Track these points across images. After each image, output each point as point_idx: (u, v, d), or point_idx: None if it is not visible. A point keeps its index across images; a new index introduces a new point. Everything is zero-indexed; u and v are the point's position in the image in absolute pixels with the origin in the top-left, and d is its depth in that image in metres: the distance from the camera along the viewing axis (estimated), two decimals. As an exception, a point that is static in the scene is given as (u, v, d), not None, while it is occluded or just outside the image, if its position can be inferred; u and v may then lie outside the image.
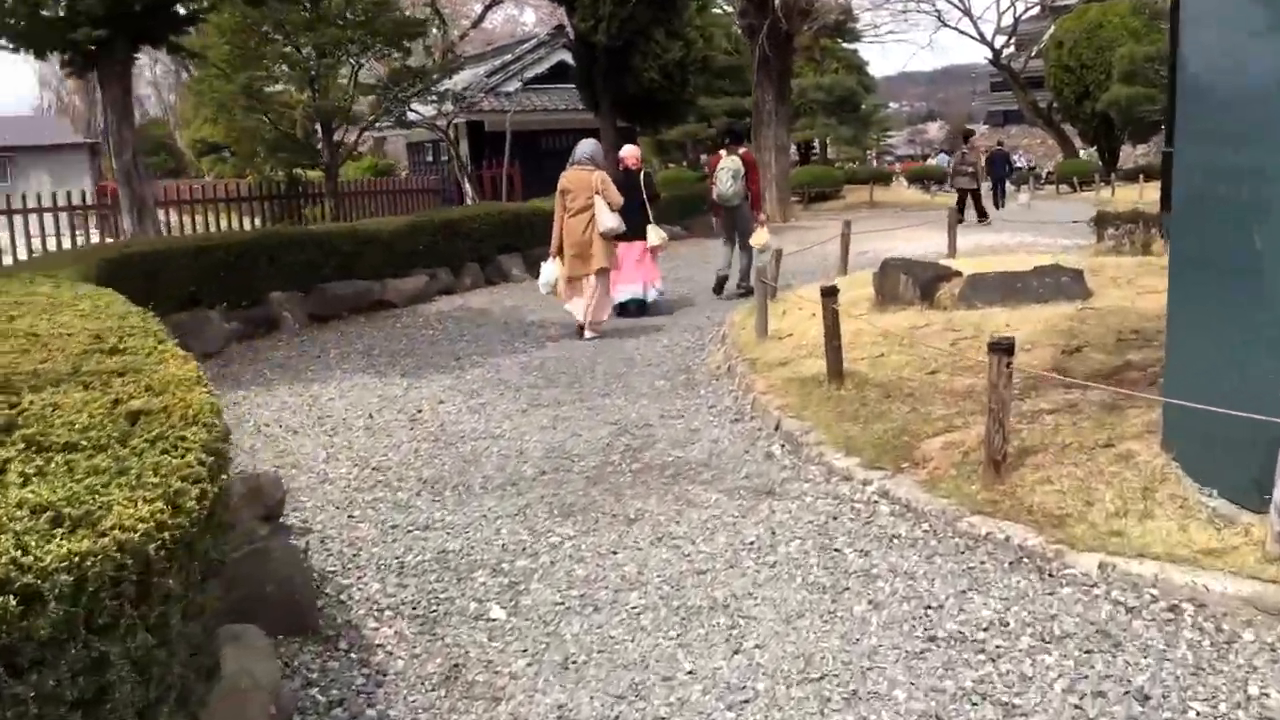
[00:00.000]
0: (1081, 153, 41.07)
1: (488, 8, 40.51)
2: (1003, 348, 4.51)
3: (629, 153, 11.22)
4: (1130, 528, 4.08)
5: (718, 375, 7.79)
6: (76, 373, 3.09)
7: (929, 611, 3.72)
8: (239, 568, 3.51)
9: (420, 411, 6.95)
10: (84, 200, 15.09)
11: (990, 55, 39.84)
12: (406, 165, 31.16)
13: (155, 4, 10.94)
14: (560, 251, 9.57)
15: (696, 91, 18.48)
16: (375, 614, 3.83)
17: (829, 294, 6.48)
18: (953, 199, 32.17)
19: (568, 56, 24.03)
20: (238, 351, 9.29)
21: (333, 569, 4.21)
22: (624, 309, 10.50)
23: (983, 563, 4.10)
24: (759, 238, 11.29)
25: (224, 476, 2.52)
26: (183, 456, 2.39)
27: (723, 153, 11.60)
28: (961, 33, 38.52)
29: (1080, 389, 5.53)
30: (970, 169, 20.40)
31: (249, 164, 17.60)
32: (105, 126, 11.24)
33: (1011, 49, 44.49)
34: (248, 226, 16.90)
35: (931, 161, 50.34)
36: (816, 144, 40.29)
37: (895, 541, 4.37)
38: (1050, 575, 3.94)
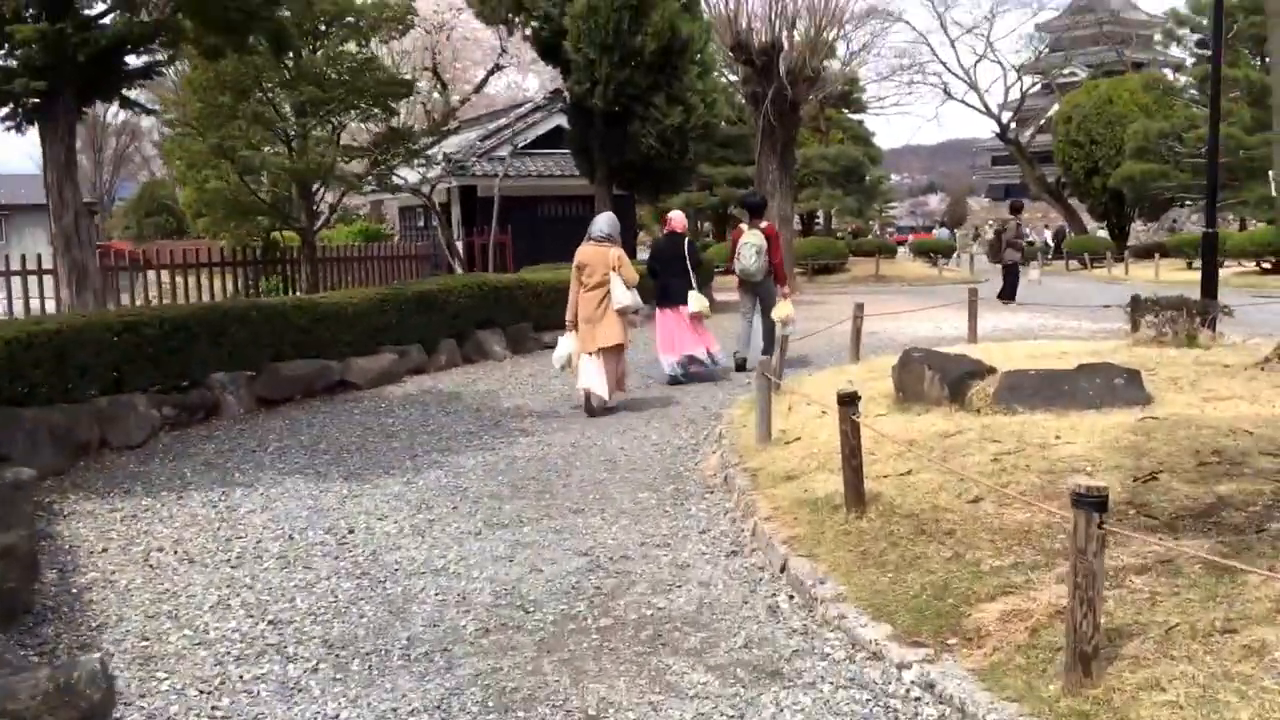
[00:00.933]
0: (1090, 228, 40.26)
1: (489, 74, 40.07)
2: (1091, 501, 3.33)
3: (676, 217, 11.16)
4: (1284, 769, 2.89)
5: (712, 487, 6.62)
6: None
7: None
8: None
9: (352, 532, 5.76)
10: (39, 264, 14.06)
11: (996, 130, 39.18)
12: (398, 229, 30.26)
13: (102, 54, 9.98)
14: (575, 326, 9.27)
15: (697, 159, 17.51)
16: None
17: (847, 402, 5.34)
18: (961, 274, 31.33)
19: (565, 121, 23.21)
20: (164, 445, 8.10)
21: (155, 816, 3.00)
22: (674, 378, 10.51)
23: (1079, 819, 2.91)
24: (781, 310, 11.03)
25: None
26: None
27: (743, 226, 11.26)
28: (969, 106, 38.24)
29: (1170, 532, 4.38)
30: (1023, 243, 19.58)
31: (222, 227, 16.59)
32: (46, 184, 10.18)
33: (1014, 125, 44.00)
34: (219, 293, 15.93)
35: (935, 234, 49.74)
36: (821, 215, 39.52)
37: (950, 772, 3.18)
38: None
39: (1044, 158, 43.50)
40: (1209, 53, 33.32)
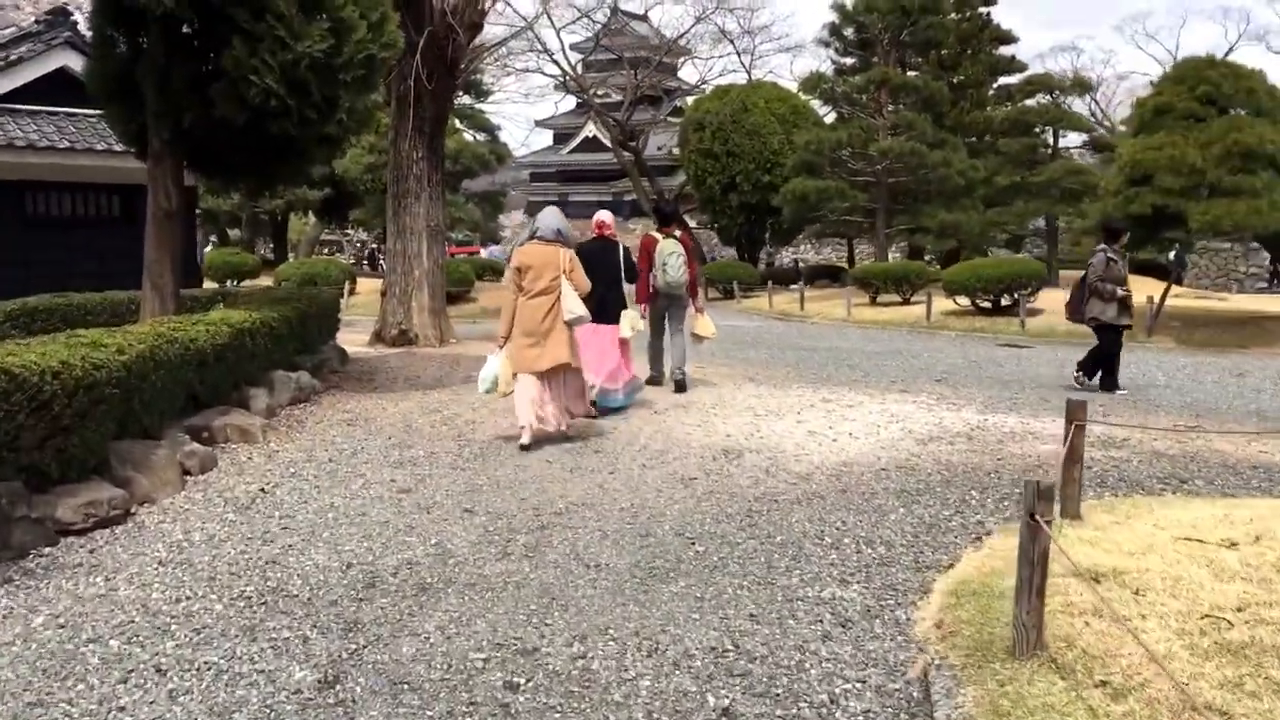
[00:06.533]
0: (718, 252, 36.78)
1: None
2: None
3: (607, 217, 9.51)
4: None
5: None
6: None
7: None
8: None
9: None
10: None
11: (620, 139, 34.37)
12: None
13: None
14: (506, 340, 7.77)
15: (357, 122, 9.69)
16: None
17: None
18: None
19: (76, 60, 14.37)
20: None
21: None
22: (619, 407, 9.05)
23: None
24: (707, 327, 10.12)
25: None
26: None
27: (655, 234, 9.81)
28: (597, 111, 33.64)
29: None
30: (1122, 291, 10.86)
31: None
32: None
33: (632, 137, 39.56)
34: None
35: (484, 253, 43.83)
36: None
37: None
38: None
39: (655, 172, 39.43)
40: (853, 60, 30.67)
